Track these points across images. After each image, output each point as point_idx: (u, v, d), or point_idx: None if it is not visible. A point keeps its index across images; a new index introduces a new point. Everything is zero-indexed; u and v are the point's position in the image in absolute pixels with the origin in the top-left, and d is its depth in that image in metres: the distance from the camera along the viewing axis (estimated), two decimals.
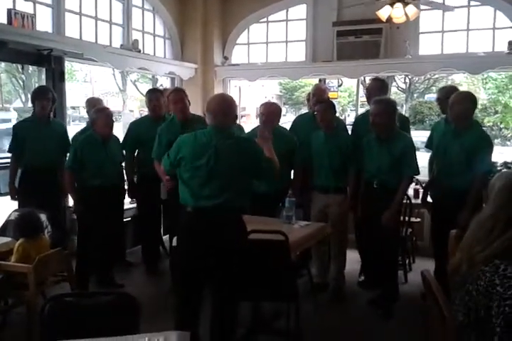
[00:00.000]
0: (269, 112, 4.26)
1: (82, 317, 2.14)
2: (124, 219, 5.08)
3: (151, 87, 6.72)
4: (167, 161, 2.99)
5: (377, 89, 4.48)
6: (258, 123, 4.44)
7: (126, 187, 4.81)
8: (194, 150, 2.83)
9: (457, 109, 3.78)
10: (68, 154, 4.29)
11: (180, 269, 3.00)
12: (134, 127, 4.94)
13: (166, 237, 5.25)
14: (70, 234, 4.75)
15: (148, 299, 3.71)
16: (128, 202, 5.30)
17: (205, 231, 2.80)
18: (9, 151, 4.51)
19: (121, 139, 4.76)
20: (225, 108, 2.88)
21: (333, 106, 4.40)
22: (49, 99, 4.45)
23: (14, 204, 4.46)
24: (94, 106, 4.86)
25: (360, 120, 4.78)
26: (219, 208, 2.80)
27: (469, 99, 3.83)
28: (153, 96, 4.86)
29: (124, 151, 4.77)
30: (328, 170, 4.25)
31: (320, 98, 4.61)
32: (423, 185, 4.79)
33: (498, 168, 5.52)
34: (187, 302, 2.93)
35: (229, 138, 2.87)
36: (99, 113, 4.28)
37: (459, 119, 3.82)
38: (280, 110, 4.47)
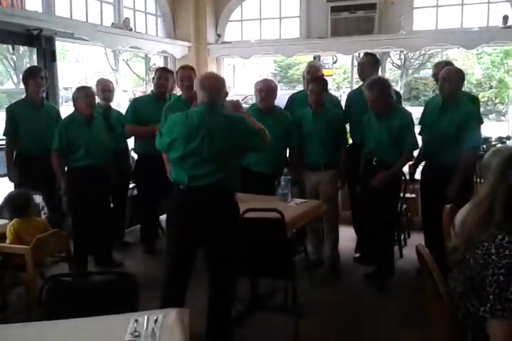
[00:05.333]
0: (269, 88, 4.25)
1: (81, 296, 2.16)
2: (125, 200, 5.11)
3: (143, 66, 6.65)
4: (159, 140, 2.97)
5: (370, 64, 4.45)
6: (254, 100, 4.42)
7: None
8: (187, 131, 2.81)
9: (447, 86, 3.87)
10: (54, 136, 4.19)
11: (170, 247, 3.02)
12: (135, 103, 4.96)
13: (162, 217, 5.28)
14: (67, 215, 4.75)
15: (146, 278, 3.72)
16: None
17: (198, 210, 2.82)
18: (4, 134, 4.46)
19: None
20: (219, 85, 2.89)
21: (326, 86, 4.38)
22: (42, 77, 4.40)
23: (11, 187, 4.45)
24: (104, 88, 4.83)
25: (353, 95, 4.76)
26: (213, 187, 2.81)
27: (459, 76, 3.91)
28: (163, 74, 4.80)
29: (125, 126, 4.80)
30: (318, 148, 4.26)
31: (314, 75, 4.58)
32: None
33: (493, 143, 5.53)
34: (174, 279, 2.96)
35: (220, 116, 2.87)
36: (79, 92, 4.21)
37: (450, 95, 3.89)
38: (277, 87, 4.46)
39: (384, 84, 3.91)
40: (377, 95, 3.86)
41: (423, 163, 4.33)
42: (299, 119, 4.36)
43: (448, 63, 4.49)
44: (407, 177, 4.51)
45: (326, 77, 4.70)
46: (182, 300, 2.92)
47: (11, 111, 4.43)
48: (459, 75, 3.92)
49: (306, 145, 4.34)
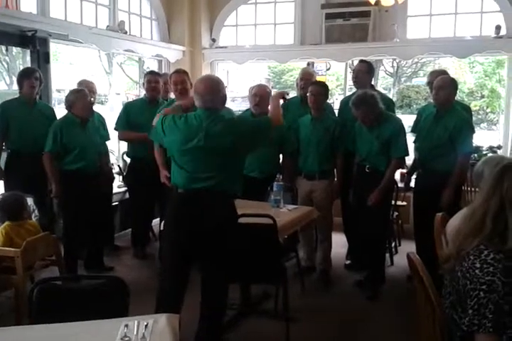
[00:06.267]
0: (264, 93, 4.25)
1: (70, 300, 2.14)
2: (112, 203, 5.08)
3: (137, 70, 6.65)
4: (156, 132, 3.01)
5: (365, 71, 4.46)
6: (249, 105, 4.41)
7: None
8: (185, 134, 2.81)
9: (442, 94, 3.92)
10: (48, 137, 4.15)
11: (167, 252, 3.00)
12: (127, 107, 4.95)
13: (155, 221, 5.27)
14: (58, 218, 4.72)
15: (137, 282, 3.73)
16: (116, 186, 5.29)
17: (196, 214, 2.79)
18: None
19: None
20: (212, 88, 2.84)
21: (327, 91, 4.38)
22: (37, 78, 4.37)
23: (0, 188, 4.42)
24: (87, 89, 4.79)
25: (345, 102, 4.77)
26: (211, 191, 2.80)
27: (453, 84, 3.98)
28: (152, 78, 4.80)
29: (117, 131, 4.83)
30: (315, 155, 4.26)
31: (308, 82, 4.59)
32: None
33: (484, 152, 5.57)
34: (171, 284, 2.93)
35: (219, 120, 2.85)
36: (77, 94, 4.19)
37: (444, 103, 3.94)
38: (271, 93, 4.46)
39: (368, 101, 3.87)
40: (363, 113, 3.89)
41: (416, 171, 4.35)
42: (297, 125, 4.36)
43: (443, 72, 4.54)
44: (399, 185, 4.52)
45: (327, 84, 4.70)
46: (179, 306, 2.86)
47: (2, 107, 4.38)
48: (454, 83, 3.99)
49: (302, 152, 4.34)
